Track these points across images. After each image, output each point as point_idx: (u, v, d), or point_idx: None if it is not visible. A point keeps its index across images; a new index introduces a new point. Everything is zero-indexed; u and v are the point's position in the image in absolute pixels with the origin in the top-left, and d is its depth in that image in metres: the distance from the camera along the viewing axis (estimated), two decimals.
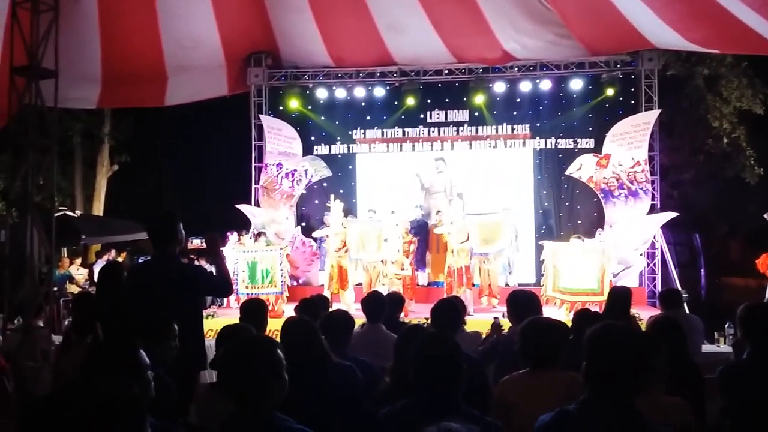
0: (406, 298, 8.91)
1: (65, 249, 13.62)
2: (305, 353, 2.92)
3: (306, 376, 2.79)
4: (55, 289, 10.82)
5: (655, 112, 11.40)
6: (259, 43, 12.16)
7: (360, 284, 10.48)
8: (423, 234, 11.37)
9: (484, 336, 4.71)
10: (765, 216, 8.96)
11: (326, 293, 9.69)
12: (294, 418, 2.17)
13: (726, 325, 7.95)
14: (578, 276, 9.33)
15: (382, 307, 4.68)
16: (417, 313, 9.01)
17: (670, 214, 11.34)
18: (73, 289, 11.74)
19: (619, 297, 4.85)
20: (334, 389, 2.92)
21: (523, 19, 10.62)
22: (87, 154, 17.53)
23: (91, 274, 12.16)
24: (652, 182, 11.43)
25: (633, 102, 11.71)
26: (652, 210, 11.40)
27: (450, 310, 4.07)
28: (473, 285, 10.13)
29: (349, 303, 9.85)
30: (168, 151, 20.39)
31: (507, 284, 11.03)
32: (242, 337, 2.93)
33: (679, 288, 10.38)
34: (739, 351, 4.00)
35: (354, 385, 3.03)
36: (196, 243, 13.44)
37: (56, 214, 9.38)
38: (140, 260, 12.43)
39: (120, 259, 12.73)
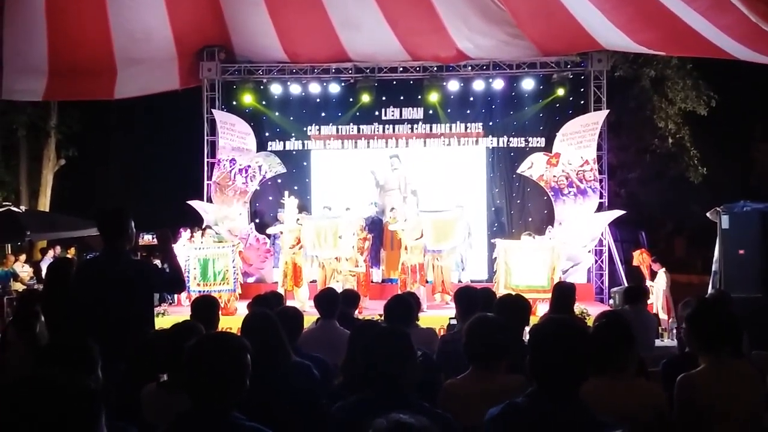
0: (361, 294, 8.93)
1: (9, 245, 13.24)
2: (268, 351, 2.89)
3: (265, 374, 2.78)
4: None
5: (604, 113, 11.67)
6: (212, 36, 11.99)
7: (314, 281, 10.45)
8: (377, 231, 11.42)
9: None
10: (708, 214, 9.25)
11: (280, 290, 9.64)
12: (252, 416, 2.17)
13: (669, 320, 8.20)
14: (529, 273, 9.50)
15: (335, 303, 4.69)
16: (371, 310, 9.06)
17: (618, 212, 11.65)
18: (18, 286, 11.43)
19: (564, 293, 4.92)
20: (292, 388, 2.91)
21: (476, 18, 10.75)
22: (32, 147, 16.99)
23: (37, 271, 11.84)
24: (600, 181, 11.70)
25: (582, 102, 11.97)
26: (600, 208, 11.66)
27: (403, 306, 4.09)
28: (426, 282, 10.23)
29: (303, 300, 9.82)
30: (117, 146, 19.94)
31: (460, 281, 11.12)
32: (213, 334, 2.88)
33: (626, 284, 10.67)
34: (683, 345, 4.14)
35: (312, 384, 3.02)
36: (147, 239, 13.20)
37: (0, 210, 9.14)
38: (89, 256, 12.15)
39: (69, 255, 12.43)
